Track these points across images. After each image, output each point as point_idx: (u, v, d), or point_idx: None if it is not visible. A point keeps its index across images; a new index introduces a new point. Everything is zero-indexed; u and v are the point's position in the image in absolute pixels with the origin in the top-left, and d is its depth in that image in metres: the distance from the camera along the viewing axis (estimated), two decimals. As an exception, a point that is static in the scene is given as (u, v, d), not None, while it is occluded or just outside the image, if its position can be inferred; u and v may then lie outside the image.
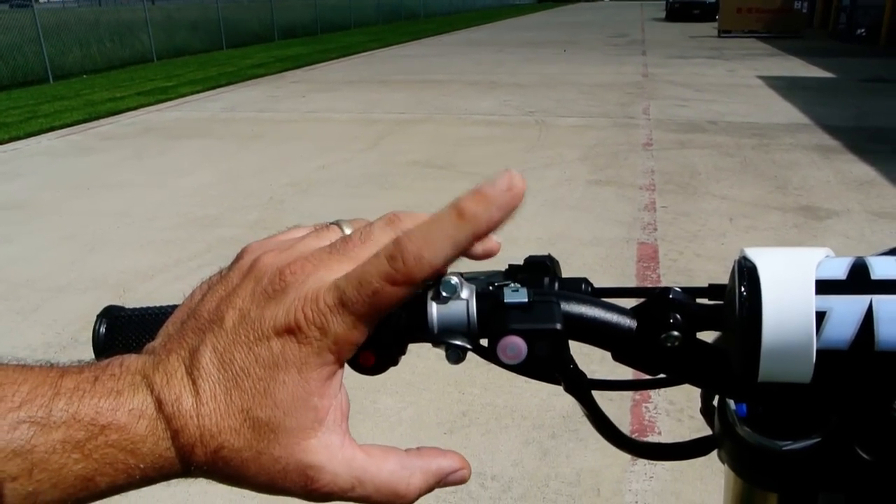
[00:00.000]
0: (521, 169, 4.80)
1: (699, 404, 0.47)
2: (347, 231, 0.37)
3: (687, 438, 0.46)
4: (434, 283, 0.36)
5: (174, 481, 0.33)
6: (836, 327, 0.33)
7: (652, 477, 2.23)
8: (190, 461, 0.32)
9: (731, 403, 0.42)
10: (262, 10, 20.26)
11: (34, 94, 11.08)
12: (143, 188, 5.66)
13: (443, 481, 0.36)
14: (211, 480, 0.33)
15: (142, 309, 0.43)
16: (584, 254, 4.01)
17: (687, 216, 4.63)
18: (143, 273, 3.92)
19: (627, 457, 2.30)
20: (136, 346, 0.35)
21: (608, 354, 0.40)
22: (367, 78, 12.09)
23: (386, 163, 6.21)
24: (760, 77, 11.15)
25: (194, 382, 0.32)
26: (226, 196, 5.34)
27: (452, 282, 0.36)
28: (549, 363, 0.36)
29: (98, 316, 0.42)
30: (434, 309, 0.36)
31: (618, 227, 4.45)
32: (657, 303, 0.38)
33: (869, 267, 0.34)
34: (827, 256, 0.35)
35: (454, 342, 0.36)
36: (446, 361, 0.37)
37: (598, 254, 4.01)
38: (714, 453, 0.45)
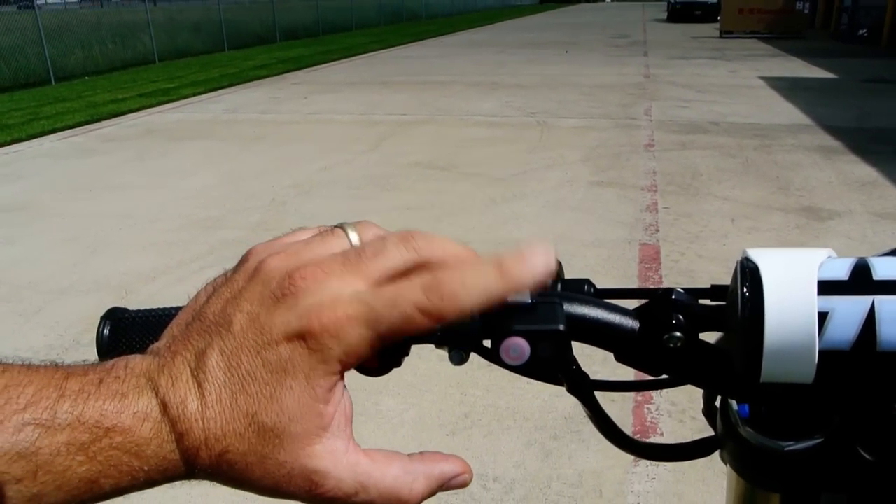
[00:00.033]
0: (522, 170, 4.80)
1: (701, 405, 0.47)
2: (352, 234, 0.37)
3: (689, 439, 0.46)
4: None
5: (177, 483, 0.33)
6: (839, 328, 0.33)
7: (654, 478, 2.23)
8: (194, 464, 0.32)
9: (734, 404, 0.42)
10: (264, 11, 20.28)
11: (36, 95, 11.10)
12: (145, 190, 5.67)
13: (445, 486, 0.36)
14: (215, 483, 0.33)
15: (145, 311, 0.43)
16: (585, 255, 4.01)
17: (689, 217, 4.62)
18: (146, 275, 3.93)
19: (629, 458, 2.30)
20: (139, 349, 0.35)
21: (610, 356, 0.40)
22: (368, 79, 12.10)
23: (388, 164, 6.21)
24: (762, 78, 11.14)
25: (200, 385, 0.32)
26: (228, 198, 5.35)
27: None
28: (551, 364, 0.36)
29: (102, 318, 0.42)
30: None
31: (620, 228, 4.45)
32: (660, 304, 0.38)
33: (871, 268, 0.34)
34: (829, 257, 0.35)
35: (457, 343, 0.36)
36: (448, 363, 0.37)
37: (600, 255, 4.01)
38: (716, 454, 0.45)
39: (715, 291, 0.41)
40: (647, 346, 0.38)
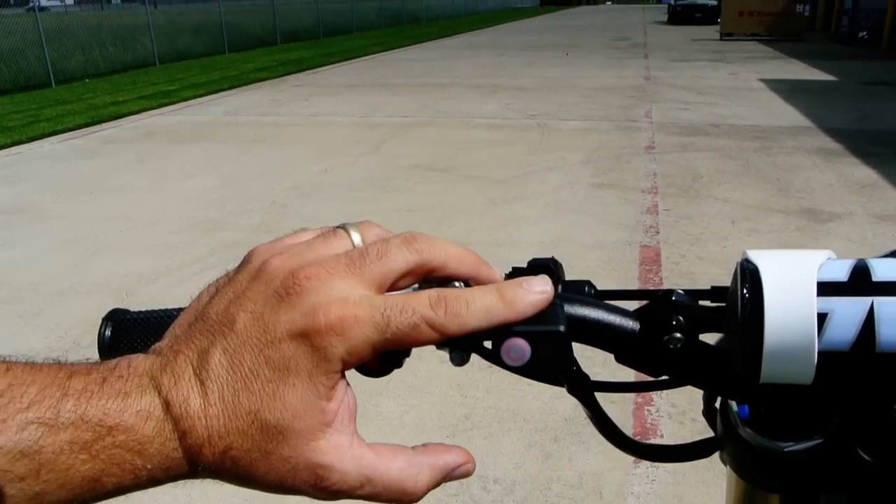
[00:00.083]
0: (523, 172, 4.79)
1: (701, 407, 0.47)
2: (354, 234, 0.37)
3: (689, 440, 0.46)
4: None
5: (180, 483, 0.33)
6: (838, 329, 0.33)
7: (654, 480, 2.23)
8: (197, 462, 0.32)
9: (733, 405, 0.42)
10: (265, 13, 20.30)
11: (36, 98, 11.11)
12: (145, 192, 5.67)
13: (449, 476, 0.37)
14: (218, 481, 0.33)
15: (147, 312, 0.43)
16: (586, 257, 4.01)
17: (689, 219, 4.63)
18: (146, 277, 3.93)
19: (630, 460, 2.30)
20: (141, 349, 0.35)
21: (610, 358, 0.40)
22: (369, 82, 12.11)
23: (388, 166, 6.22)
24: (762, 80, 11.15)
25: (202, 384, 0.32)
26: (228, 200, 5.35)
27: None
28: (552, 365, 0.36)
29: (103, 319, 0.43)
30: None
31: (620, 230, 4.45)
32: (660, 305, 0.38)
33: (870, 269, 0.34)
34: (828, 259, 0.35)
35: (458, 345, 0.36)
36: (449, 365, 0.37)
37: (601, 257, 4.01)
38: (716, 455, 0.45)
39: (715, 293, 0.41)
40: (648, 347, 0.38)
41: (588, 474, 2.27)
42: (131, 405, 0.31)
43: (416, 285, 0.37)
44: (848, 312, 0.33)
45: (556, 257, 0.44)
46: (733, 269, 0.36)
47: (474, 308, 0.34)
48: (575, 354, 0.39)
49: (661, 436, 2.45)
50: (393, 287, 0.35)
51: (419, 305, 0.33)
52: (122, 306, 0.45)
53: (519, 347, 0.36)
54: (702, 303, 0.40)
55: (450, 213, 4.86)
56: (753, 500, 0.44)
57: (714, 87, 10.44)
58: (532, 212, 4.85)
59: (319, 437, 0.33)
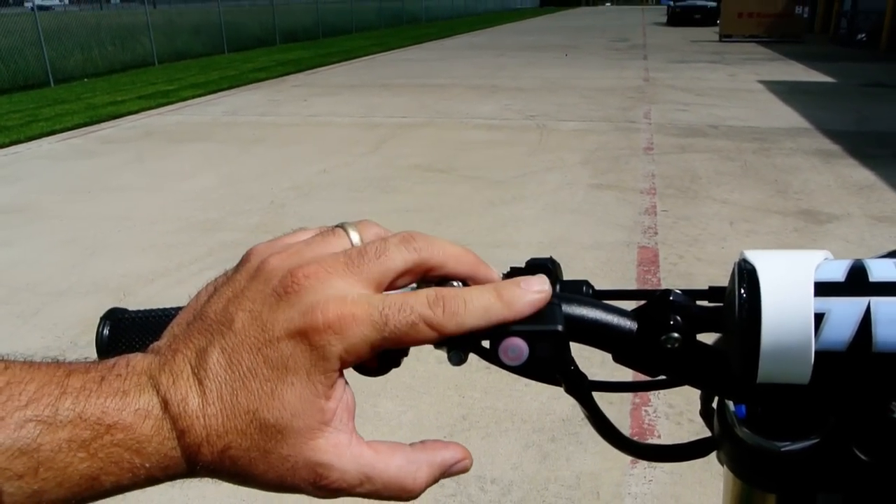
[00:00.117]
0: (522, 173, 4.79)
1: (698, 408, 0.47)
2: (353, 234, 0.37)
3: (686, 440, 0.46)
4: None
5: (177, 482, 0.33)
6: (835, 329, 0.33)
7: (651, 480, 2.23)
8: (196, 461, 0.32)
9: (731, 405, 0.42)
10: (264, 13, 20.29)
11: (35, 97, 11.10)
12: (144, 192, 5.67)
13: (447, 472, 0.37)
14: (216, 480, 0.33)
15: (145, 311, 0.43)
16: (584, 257, 4.02)
17: (687, 220, 4.63)
18: (144, 277, 3.93)
19: (627, 460, 2.30)
20: (139, 349, 0.35)
21: (608, 358, 0.40)
22: (368, 82, 12.11)
23: (387, 166, 6.22)
24: (761, 81, 11.16)
25: (200, 383, 0.32)
26: (227, 200, 5.35)
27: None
28: (550, 364, 0.36)
29: (101, 318, 0.43)
30: None
31: (618, 230, 4.45)
32: (657, 305, 0.39)
33: (867, 269, 0.34)
34: (826, 259, 0.35)
35: (456, 344, 0.36)
36: (446, 365, 0.37)
37: (599, 257, 4.02)
38: (713, 455, 0.45)
39: (712, 293, 0.41)
40: (645, 347, 0.38)
41: (585, 475, 2.28)
42: (130, 404, 0.31)
43: (415, 284, 0.37)
44: (845, 312, 0.33)
45: (555, 258, 0.44)
46: (731, 270, 0.36)
47: (472, 307, 0.34)
48: (573, 354, 0.39)
49: (659, 436, 2.45)
50: (391, 286, 0.35)
51: (417, 304, 0.33)
52: (121, 306, 0.45)
53: (517, 347, 0.36)
54: (699, 303, 0.40)
55: (448, 214, 4.86)
56: (750, 500, 0.44)
57: (713, 89, 10.45)
58: (531, 212, 4.85)
59: (318, 435, 0.33)
